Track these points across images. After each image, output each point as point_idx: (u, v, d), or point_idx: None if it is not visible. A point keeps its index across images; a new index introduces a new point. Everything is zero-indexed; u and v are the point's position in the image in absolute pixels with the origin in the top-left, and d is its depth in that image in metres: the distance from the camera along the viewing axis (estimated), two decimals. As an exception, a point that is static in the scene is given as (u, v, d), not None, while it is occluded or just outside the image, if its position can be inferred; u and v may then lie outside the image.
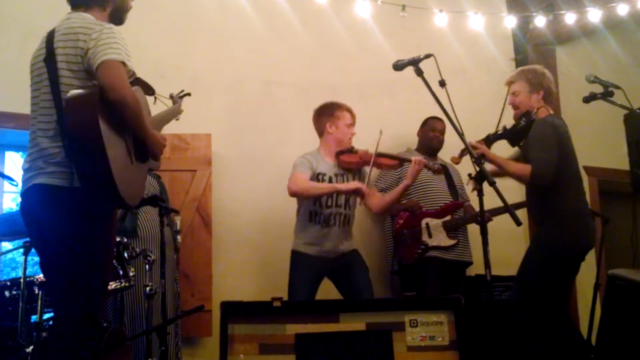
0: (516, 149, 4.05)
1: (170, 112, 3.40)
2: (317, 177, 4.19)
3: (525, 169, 3.73)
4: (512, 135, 3.84)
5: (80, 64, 2.55)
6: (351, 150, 4.27)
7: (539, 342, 3.74)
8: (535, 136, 3.77)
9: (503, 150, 4.03)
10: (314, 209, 4.18)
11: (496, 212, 4.49)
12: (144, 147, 2.72)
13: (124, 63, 2.53)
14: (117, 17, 2.86)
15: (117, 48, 2.53)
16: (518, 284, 3.87)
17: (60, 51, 2.58)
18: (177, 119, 3.53)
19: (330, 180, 4.22)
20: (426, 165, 4.23)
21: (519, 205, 4.39)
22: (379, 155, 4.22)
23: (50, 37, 2.63)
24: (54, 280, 2.70)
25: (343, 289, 4.27)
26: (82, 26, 2.60)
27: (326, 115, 4.33)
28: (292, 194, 4.14)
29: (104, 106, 2.45)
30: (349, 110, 4.32)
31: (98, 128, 2.37)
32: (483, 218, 3.05)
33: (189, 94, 3.64)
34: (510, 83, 4.09)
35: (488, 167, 3.61)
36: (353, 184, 4.10)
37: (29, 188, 2.58)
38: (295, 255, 4.23)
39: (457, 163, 3.90)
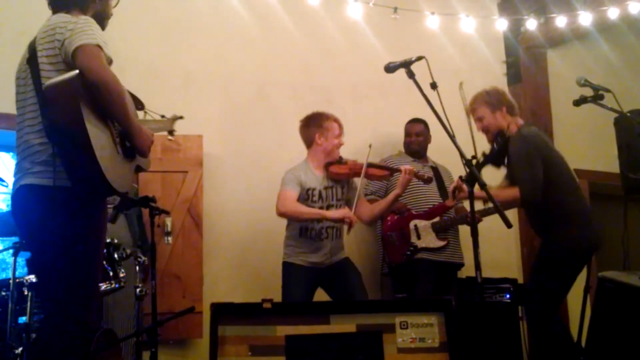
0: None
1: (158, 123, 3.39)
2: (306, 192, 4.19)
3: (514, 193, 3.79)
4: (493, 158, 3.87)
5: (59, 55, 2.56)
6: (340, 162, 4.27)
7: (544, 343, 3.79)
8: (514, 155, 3.82)
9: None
10: (305, 224, 4.19)
11: (486, 212, 4.49)
12: (129, 138, 2.70)
13: (100, 47, 2.52)
14: (98, 22, 2.85)
15: (92, 33, 2.53)
16: (531, 290, 3.93)
17: (40, 47, 2.60)
18: (169, 139, 3.54)
19: (320, 195, 4.22)
20: (416, 174, 4.22)
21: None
22: (370, 165, 4.23)
23: (32, 41, 2.66)
24: (44, 281, 2.70)
25: (337, 296, 4.26)
26: (59, 21, 2.62)
27: (315, 126, 4.32)
28: (280, 214, 4.16)
29: (86, 93, 2.44)
30: (337, 121, 4.31)
31: (80, 113, 2.38)
32: (474, 220, 3.05)
33: (181, 117, 3.63)
34: (471, 112, 4.13)
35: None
36: (341, 213, 4.11)
37: (17, 190, 2.58)
38: (287, 267, 4.22)
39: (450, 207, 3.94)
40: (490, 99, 4.07)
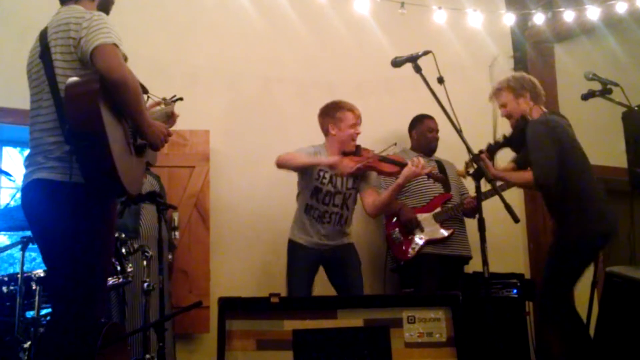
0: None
1: (162, 112, 3.39)
2: (317, 172, 4.19)
3: (527, 175, 3.79)
4: (513, 142, 3.86)
5: (74, 53, 2.55)
6: (355, 153, 4.21)
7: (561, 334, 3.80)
8: (530, 139, 3.80)
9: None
10: (311, 202, 4.21)
11: (487, 195, 4.46)
12: (143, 135, 2.71)
13: (117, 46, 2.52)
14: (105, 8, 2.87)
15: (107, 32, 2.53)
16: (545, 283, 3.93)
17: (53, 43, 2.59)
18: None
19: (331, 179, 4.21)
20: (429, 174, 4.17)
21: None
22: (382, 159, 4.18)
23: (43, 34, 2.65)
24: (53, 275, 2.71)
25: (334, 283, 4.32)
26: (72, 16, 2.61)
27: (328, 116, 4.29)
28: (278, 161, 4.17)
29: (103, 93, 2.45)
30: (352, 110, 4.25)
31: (100, 115, 2.38)
32: (481, 216, 3.02)
33: (181, 99, 3.62)
34: (494, 97, 4.12)
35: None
36: (332, 159, 4.09)
37: (29, 183, 2.58)
38: (291, 245, 4.28)
39: (464, 176, 3.93)
40: (514, 85, 4.04)
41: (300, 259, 4.21)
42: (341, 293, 4.24)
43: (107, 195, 2.59)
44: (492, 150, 3.89)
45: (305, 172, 4.22)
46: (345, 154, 4.21)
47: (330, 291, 4.36)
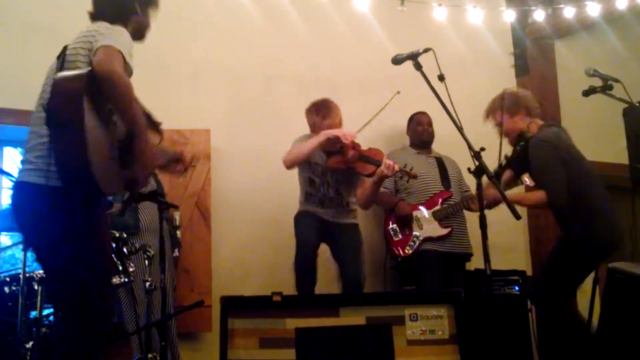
0: None
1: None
2: (310, 165, 4.27)
3: (541, 197, 3.87)
4: (516, 162, 3.89)
5: (86, 56, 2.54)
6: (339, 151, 4.21)
7: (558, 336, 3.87)
8: (536, 161, 3.87)
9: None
10: (309, 190, 4.32)
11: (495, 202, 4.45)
12: (132, 140, 2.61)
13: (121, 53, 2.48)
14: (139, 34, 2.92)
15: (118, 39, 2.51)
16: (545, 286, 3.98)
17: (71, 45, 2.59)
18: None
19: (323, 173, 4.28)
20: (400, 170, 4.14)
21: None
22: (361, 158, 4.19)
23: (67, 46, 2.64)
24: (49, 280, 2.68)
25: (335, 258, 4.39)
26: (98, 26, 2.62)
27: (309, 124, 4.37)
28: (287, 163, 4.23)
29: (97, 94, 2.42)
30: (322, 114, 4.28)
31: (81, 109, 2.34)
32: (482, 213, 3.01)
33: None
34: (488, 117, 4.16)
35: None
36: (335, 132, 4.12)
37: (14, 185, 2.59)
38: (298, 214, 4.37)
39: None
40: (509, 103, 4.07)
41: (309, 221, 4.28)
42: (340, 269, 4.30)
43: (83, 194, 2.48)
44: (498, 175, 3.93)
45: (304, 162, 4.29)
46: (329, 154, 4.24)
47: (332, 288, 4.36)
